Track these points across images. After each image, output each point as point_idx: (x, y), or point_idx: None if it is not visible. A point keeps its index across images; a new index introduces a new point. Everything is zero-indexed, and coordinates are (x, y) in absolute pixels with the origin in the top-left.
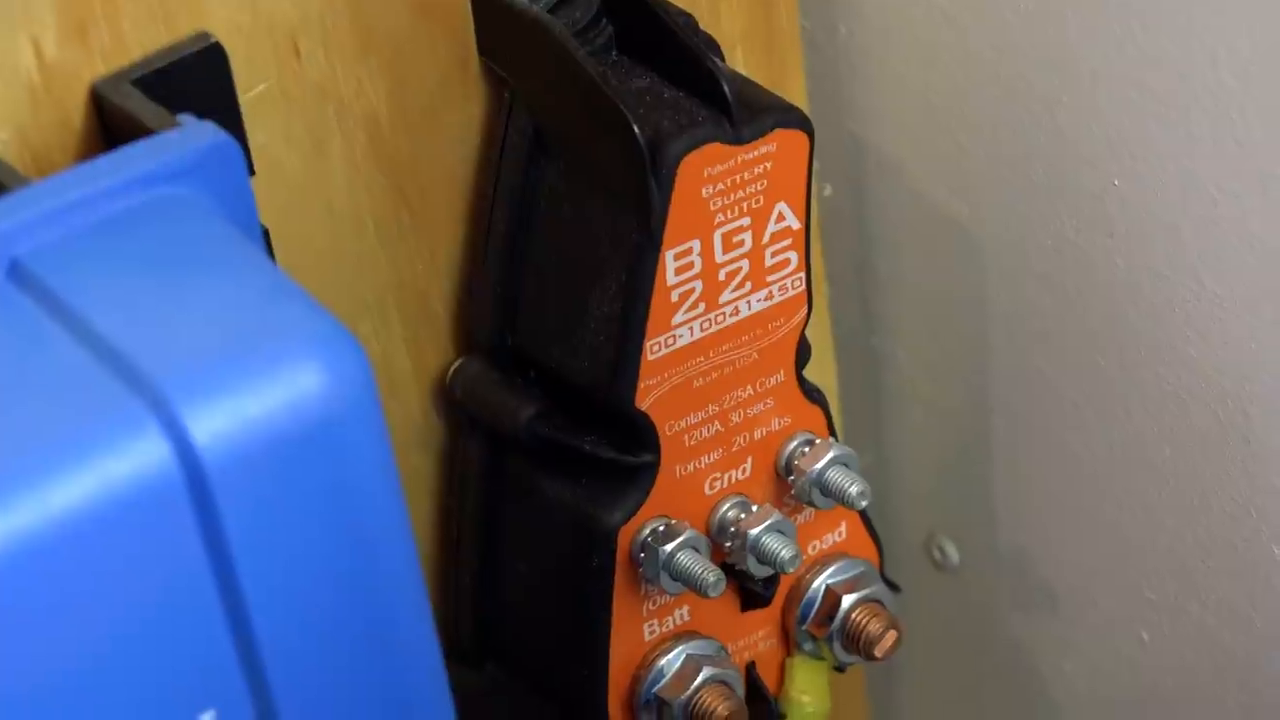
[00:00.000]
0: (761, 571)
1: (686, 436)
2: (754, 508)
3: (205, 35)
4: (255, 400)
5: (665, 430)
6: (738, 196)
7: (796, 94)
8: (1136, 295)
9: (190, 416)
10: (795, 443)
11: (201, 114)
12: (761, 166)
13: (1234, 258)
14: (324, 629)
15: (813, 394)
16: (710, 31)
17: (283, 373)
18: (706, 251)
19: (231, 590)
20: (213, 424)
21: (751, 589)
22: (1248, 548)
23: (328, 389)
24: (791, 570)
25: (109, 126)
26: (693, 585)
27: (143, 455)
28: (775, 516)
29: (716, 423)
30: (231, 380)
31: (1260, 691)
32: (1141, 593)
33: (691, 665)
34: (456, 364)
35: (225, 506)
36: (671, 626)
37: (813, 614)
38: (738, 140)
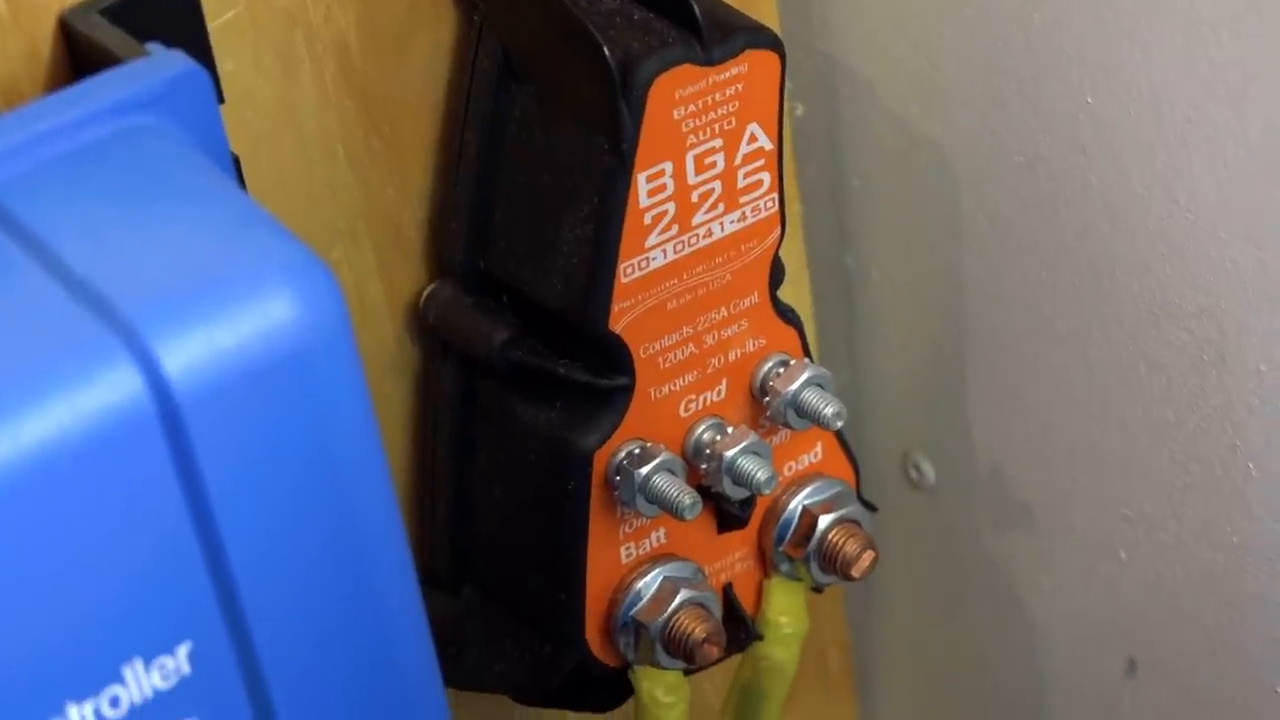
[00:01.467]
0: (738, 493)
1: (661, 359)
2: (729, 430)
3: None
4: (227, 331)
5: (639, 353)
6: (709, 118)
7: (768, 14)
8: (1111, 213)
9: (162, 348)
10: (770, 364)
11: (170, 42)
12: (733, 88)
13: (1208, 175)
14: (299, 558)
15: (787, 315)
16: None
17: (255, 302)
18: (679, 174)
19: (206, 522)
20: (185, 355)
21: (728, 511)
22: (1224, 464)
23: (300, 318)
24: (768, 492)
25: (77, 56)
26: (669, 508)
27: (115, 387)
28: (751, 438)
29: (691, 345)
30: (203, 311)
31: (1239, 608)
32: (1118, 510)
33: (668, 588)
34: (429, 289)
35: (198, 438)
36: (648, 549)
37: (789, 535)
38: (709, 61)
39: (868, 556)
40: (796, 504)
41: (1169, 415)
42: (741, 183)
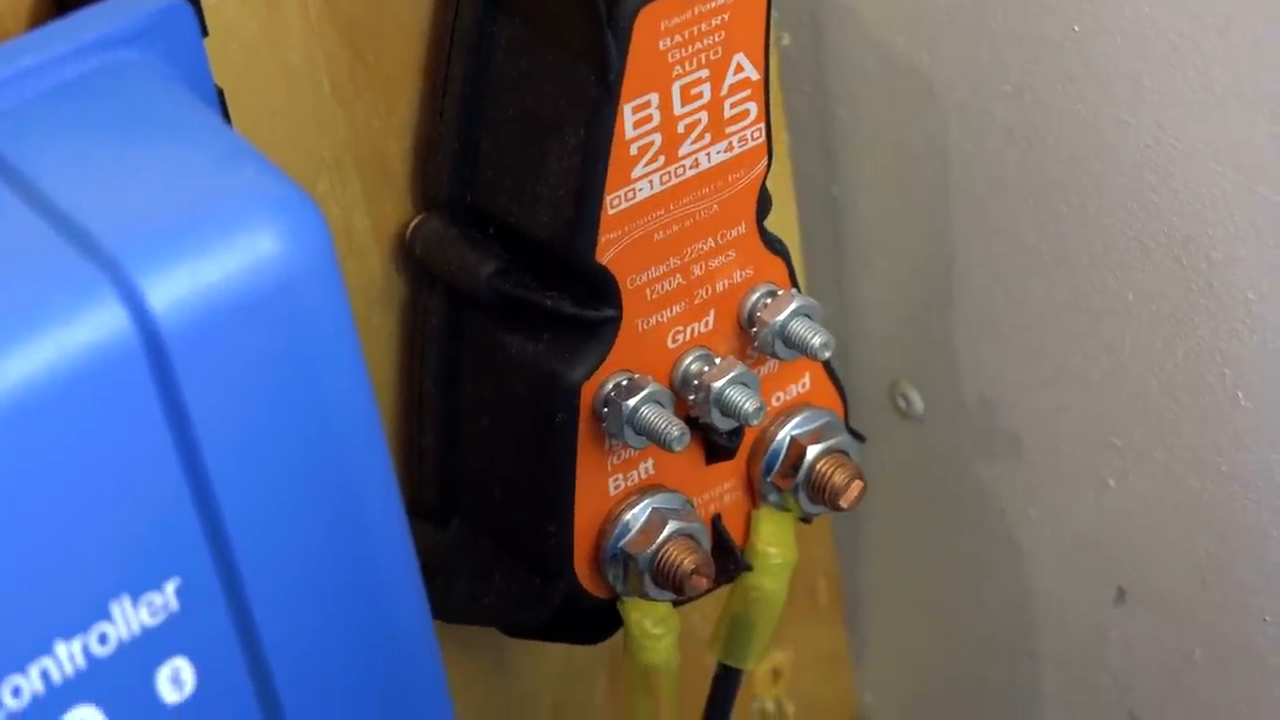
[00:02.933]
0: (726, 424)
1: (648, 290)
2: (717, 360)
3: None
4: (212, 265)
5: (626, 284)
6: (695, 48)
7: None
8: (1098, 142)
9: (147, 283)
10: (757, 294)
11: None
12: (719, 18)
13: (1195, 103)
14: (286, 492)
15: (774, 245)
16: None
17: (240, 237)
18: (665, 104)
19: (193, 457)
20: (170, 290)
21: (716, 442)
22: (1212, 393)
23: (286, 252)
24: (755, 422)
25: None
26: (657, 439)
27: (100, 323)
28: (739, 369)
29: (678, 276)
30: (188, 246)
31: (1225, 536)
32: (1106, 438)
33: (657, 519)
34: (415, 221)
35: (184, 372)
36: (636, 481)
37: (778, 466)
38: None
39: (856, 487)
40: (785, 434)
41: (1157, 344)
42: (728, 113)
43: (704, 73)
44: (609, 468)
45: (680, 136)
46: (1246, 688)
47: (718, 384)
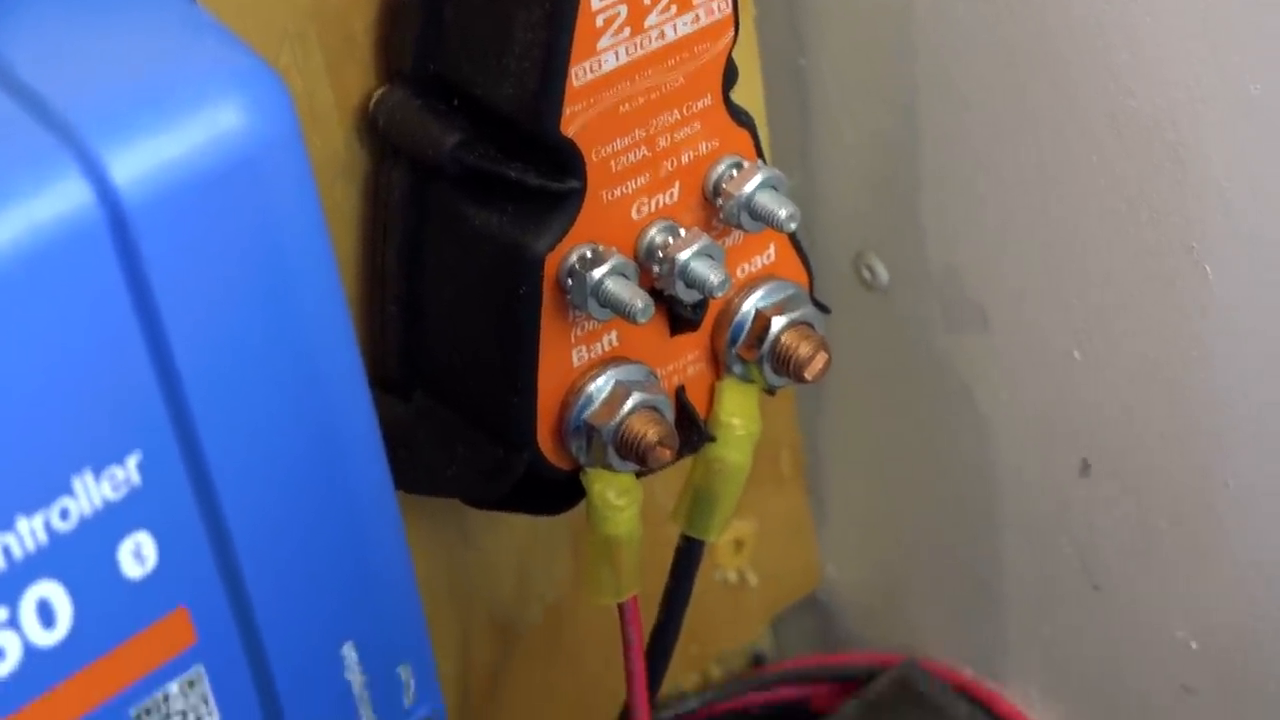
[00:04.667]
0: (690, 296)
1: (613, 162)
2: (682, 232)
3: None
4: (176, 139)
5: (591, 156)
6: None
7: None
8: (1068, 13)
9: (110, 158)
10: (723, 166)
11: None
12: None
13: None
14: (248, 365)
15: (740, 117)
16: None
17: (203, 111)
18: None
19: (155, 331)
20: (133, 165)
21: (680, 313)
22: (1178, 263)
23: (249, 126)
24: (720, 294)
25: None
26: (621, 311)
27: (63, 198)
28: (703, 241)
29: (643, 148)
30: (151, 120)
31: (1188, 405)
32: (1072, 310)
33: (620, 391)
34: (379, 93)
35: (147, 246)
36: (600, 353)
37: (742, 337)
38: None
39: (821, 359)
40: (749, 306)
41: (1124, 214)
42: None
43: None
44: (572, 339)
45: (646, 8)
46: (1207, 555)
47: (682, 256)
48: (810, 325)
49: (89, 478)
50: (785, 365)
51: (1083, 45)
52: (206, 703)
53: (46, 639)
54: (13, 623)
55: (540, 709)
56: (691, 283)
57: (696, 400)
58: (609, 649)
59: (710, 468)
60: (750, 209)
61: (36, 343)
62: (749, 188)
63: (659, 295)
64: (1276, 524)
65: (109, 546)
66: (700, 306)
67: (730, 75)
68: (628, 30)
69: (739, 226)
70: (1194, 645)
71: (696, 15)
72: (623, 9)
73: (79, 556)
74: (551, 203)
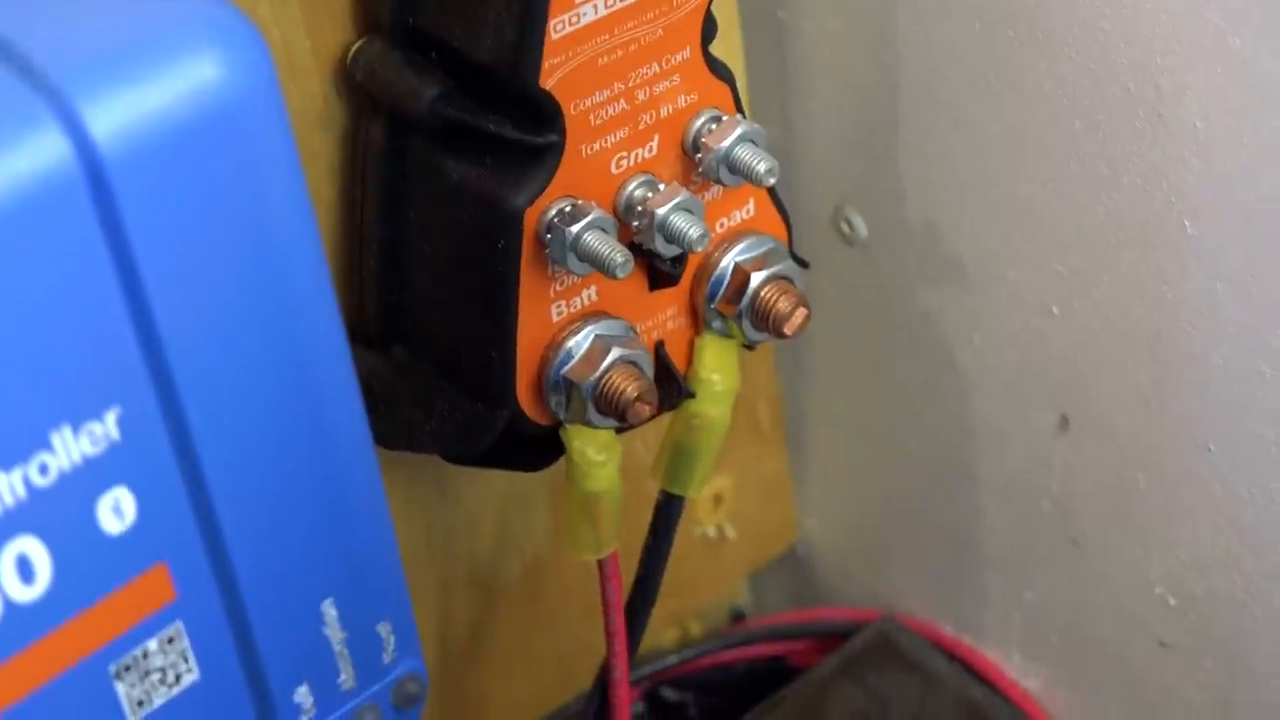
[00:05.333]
0: (669, 250)
1: (592, 115)
2: (661, 186)
3: None
4: (154, 92)
5: (570, 109)
6: None
7: None
8: None
9: (88, 111)
10: (702, 119)
11: None
12: None
13: None
14: (227, 318)
15: (719, 70)
16: None
17: (181, 64)
18: None
19: (134, 285)
20: (111, 118)
21: (660, 268)
22: (1158, 220)
23: (227, 78)
24: (699, 249)
25: None
26: (600, 266)
27: (41, 152)
28: (682, 195)
29: (622, 101)
30: (130, 73)
31: (1169, 364)
32: (1051, 266)
33: (600, 346)
34: (357, 45)
35: (125, 200)
36: (579, 307)
37: (721, 292)
38: None
39: (800, 314)
40: (728, 261)
41: (1104, 171)
42: None
43: None
44: (551, 294)
45: None
46: (1185, 511)
47: (661, 210)
48: (789, 280)
49: (68, 433)
50: (764, 320)
51: (1064, 3)
52: (186, 659)
53: (25, 595)
54: None
55: (520, 665)
56: (671, 237)
57: (676, 356)
58: (588, 605)
59: (689, 423)
60: (729, 163)
61: (14, 298)
62: (728, 141)
63: (638, 250)
64: (1256, 481)
65: (88, 502)
66: (679, 261)
67: (709, 28)
68: None
69: (718, 181)
70: (1172, 601)
71: None
72: None
73: (58, 512)
74: (530, 156)
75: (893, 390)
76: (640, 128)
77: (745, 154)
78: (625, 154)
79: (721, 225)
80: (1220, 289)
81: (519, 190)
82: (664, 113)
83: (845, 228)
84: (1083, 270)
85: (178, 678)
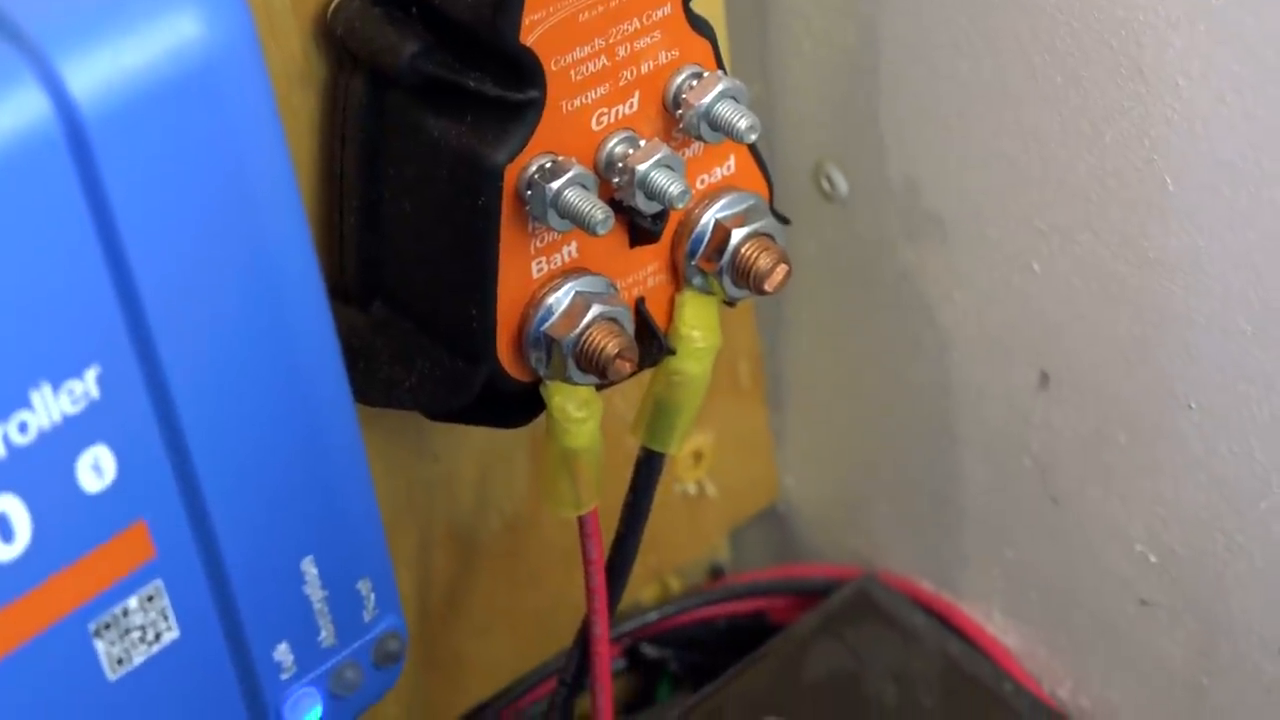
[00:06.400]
0: (650, 207)
1: (572, 71)
2: (642, 143)
3: None
4: (133, 49)
5: (550, 66)
6: None
7: None
8: None
9: (67, 68)
10: (683, 76)
11: None
12: None
13: None
14: (206, 276)
15: (700, 26)
16: None
17: (160, 20)
18: None
19: (113, 243)
20: (90, 75)
21: (640, 225)
22: (1140, 177)
23: (206, 35)
24: (680, 205)
25: None
26: (580, 222)
27: (20, 109)
28: (663, 151)
29: (603, 57)
30: (109, 31)
31: (1153, 321)
32: (1032, 222)
33: (580, 302)
34: (336, 1)
35: (105, 157)
36: (560, 264)
37: (702, 249)
38: None
39: (780, 270)
40: (709, 217)
41: (1085, 128)
42: None
43: None
44: (532, 251)
45: None
46: (1168, 472)
47: (642, 166)
48: (770, 237)
49: (47, 391)
50: (745, 277)
51: None
52: (165, 617)
53: (4, 553)
54: None
55: (500, 622)
56: (651, 194)
57: (656, 312)
58: (569, 562)
59: (670, 380)
60: (710, 119)
61: None
62: (709, 98)
63: (619, 206)
64: (1237, 439)
65: (67, 460)
66: (660, 218)
67: None
68: None
69: (699, 137)
70: (1152, 559)
71: None
72: None
73: (37, 470)
74: (510, 113)
75: (873, 347)
76: (621, 84)
77: (726, 110)
78: (606, 110)
79: (702, 182)
80: (1202, 246)
81: (499, 147)
82: (645, 69)
83: (826, 184)
84: (1064, 227)
85: (157, 636)
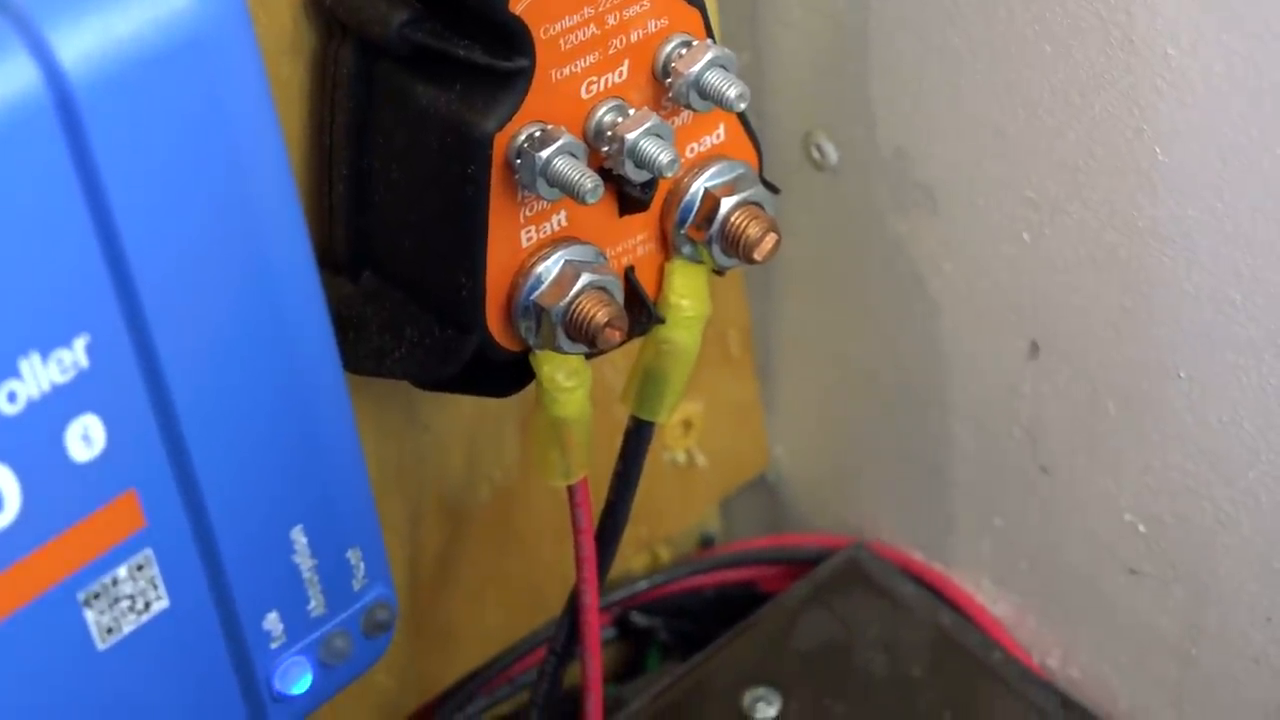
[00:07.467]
0: (639, 176)
1: (562, 40)
2: (631, 111)
3: None
4: (123, 18)
5: (540, 34)
6: None
7: None
8: None
9: (56, 37)
10: (672, 44)
11: None
12: None
13: None
14: (197, 246)
15: None
16: None
17: None
18: None
19: (102, 213)
20: (80, 44)
21: (629, 194)
22: (1130, 147)
23: (196, 4)
24: (670, 174)
25: None
26: (570, 191)
27: (10, 79)
28: (653, 120)
29: (592, 25)
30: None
31: (1143, 291)
32: (1022, 192)
33: (570, 271)
34: None
35: (94, 127)
36: (549, 233)
37: (691, 218)
38: None
39: (770, 239)
40: (698, 186)
41: (1075, 98)
42: None
43: None
44: (521, 220)
45: None
46: (1157, 442)
47: (631, 135)
48: (759, 205)
49: (36, 361)
50: (734, 246)
51: None
52: (155, 586)
53: None
54: None
55: (490, 591)
56: (641, 162)
57: (646, 281)
58: (558, 531)
59: (659, 349)
60: (699, 88)
61: None
62: (698, 66)
63: (608, 175)
64: (1226, 408)
65: (56, 430)
66: (649, 186)
67: None
68: None
69: (688, 106)
70: (1141, 528)
71: None
72: None
73: (26, 440)
74: (500, 81)
75: (863, 317)
76: (610, 52)
77: (715, 79)
78: (595, 79)
79: (691, 151)
80: (1191, 216)
81: (488, 115)
82: (634, 37)
83: (815, 153)
84: (1054, 197)
85: (147, 605)
